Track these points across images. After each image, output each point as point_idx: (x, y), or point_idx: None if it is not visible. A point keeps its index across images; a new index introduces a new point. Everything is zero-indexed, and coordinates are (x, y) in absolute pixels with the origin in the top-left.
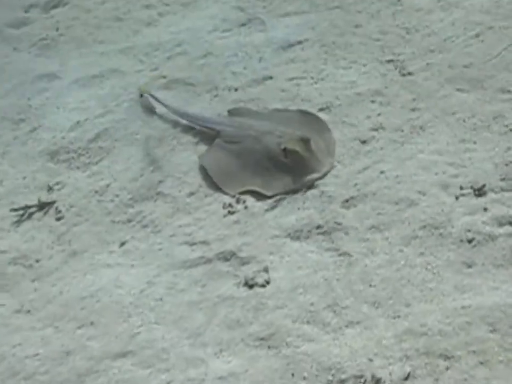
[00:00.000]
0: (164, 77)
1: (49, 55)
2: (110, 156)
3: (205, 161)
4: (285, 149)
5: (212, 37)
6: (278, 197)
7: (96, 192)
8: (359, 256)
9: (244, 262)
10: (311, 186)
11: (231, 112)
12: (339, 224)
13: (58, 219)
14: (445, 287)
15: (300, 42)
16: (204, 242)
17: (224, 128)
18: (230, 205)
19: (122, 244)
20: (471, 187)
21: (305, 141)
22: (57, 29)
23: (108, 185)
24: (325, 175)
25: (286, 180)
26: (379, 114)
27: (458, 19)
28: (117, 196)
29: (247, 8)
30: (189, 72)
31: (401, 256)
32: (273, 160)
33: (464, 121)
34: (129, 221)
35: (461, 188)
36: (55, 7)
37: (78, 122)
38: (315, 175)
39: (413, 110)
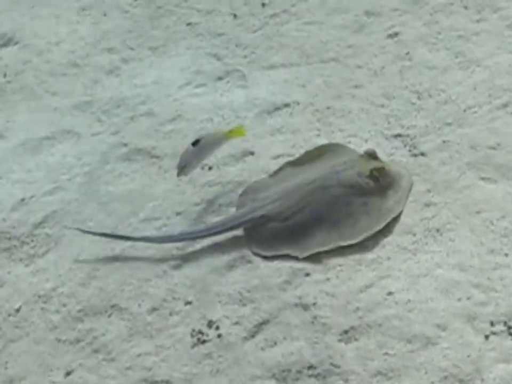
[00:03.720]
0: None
1: None
2: (58, 248)
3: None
4: (371, 173)
5: (183, 94)
6: (260, 321)
7: (39, 297)
8: None
9: None
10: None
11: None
12: (336, 366)
13: None
14: None
15: (287, 105)
16: (167, 383)
17: (270, 208)
18: (200, 332)
19: (68, 374)
20: (505, 322)
21: (374, 154)
22: (5, 75)
23: (54, 289)
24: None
25: (390, 202)
26: None
27: (481, 82)
28: (64, 305)
29: (225, 56)
30: (154, 140)
31: None
32: (364, 194)
33: (492, 223)
34: (78, 341)
35: (492, 324)
36: (4, 46)
37: (22, 200)
38: (406, 182)
39: (427, 205)
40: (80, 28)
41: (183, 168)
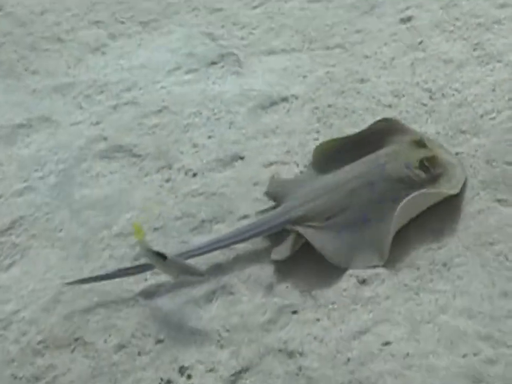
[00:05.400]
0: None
1: None
2: (24, 261)
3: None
4: (422, 163)
5: (171, 81)
6: (238, 368)
7: None
8: None
9: None
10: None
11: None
12: None
13: None
14: None
15: (285, 100)
16: None
17: (310, 207)
18: (169, 381)
19: None
20: None
21: (421, 142)
22: None
23: (15, 313)
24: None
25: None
26: None
27: (502, 82)
28: (24, 333)
29: (221, 37)
30: (137, 136)
31: None
32: (414, 188)
33: (506, 258)
34: (36, 379)
35: None
36: None
37: None
38: (460, 172)
39: (434, 232)
40: None
41: (194, 272)
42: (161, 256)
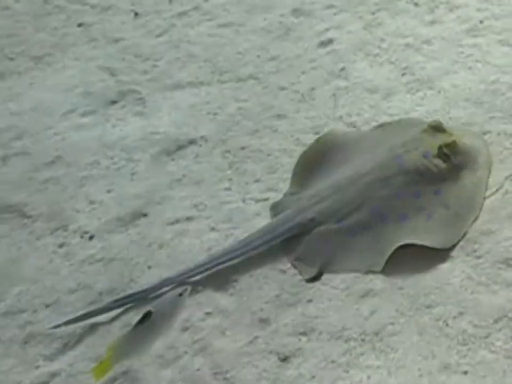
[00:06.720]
0: None
1: None
2: None
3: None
4: (440, 150)
5: (66, 126)
6: None
7: None
8: None
9: None
10: None
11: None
12: None
13: None
14: None
15: (193, 142)
16: None
17: (320, 208)
18: None
19: None
20: None
21: (440, 126)
22: None
23: None
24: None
25: (470, 186)
26: (308, 302)
27: (434, 112)
28: None
29: (120, 71)
30: (27, 193)
31: None
32: (435, 179)
33: (446, 324)
34: None
35: None
36: None
37: None
38: (484, 156)
39: (363, 296)
40: None
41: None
42: (144, 318)
